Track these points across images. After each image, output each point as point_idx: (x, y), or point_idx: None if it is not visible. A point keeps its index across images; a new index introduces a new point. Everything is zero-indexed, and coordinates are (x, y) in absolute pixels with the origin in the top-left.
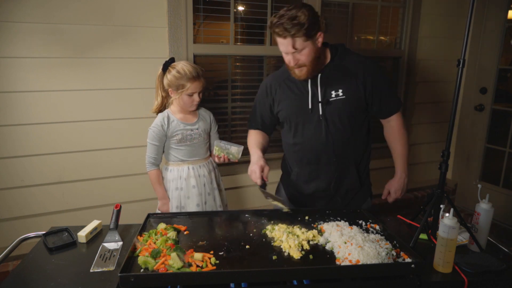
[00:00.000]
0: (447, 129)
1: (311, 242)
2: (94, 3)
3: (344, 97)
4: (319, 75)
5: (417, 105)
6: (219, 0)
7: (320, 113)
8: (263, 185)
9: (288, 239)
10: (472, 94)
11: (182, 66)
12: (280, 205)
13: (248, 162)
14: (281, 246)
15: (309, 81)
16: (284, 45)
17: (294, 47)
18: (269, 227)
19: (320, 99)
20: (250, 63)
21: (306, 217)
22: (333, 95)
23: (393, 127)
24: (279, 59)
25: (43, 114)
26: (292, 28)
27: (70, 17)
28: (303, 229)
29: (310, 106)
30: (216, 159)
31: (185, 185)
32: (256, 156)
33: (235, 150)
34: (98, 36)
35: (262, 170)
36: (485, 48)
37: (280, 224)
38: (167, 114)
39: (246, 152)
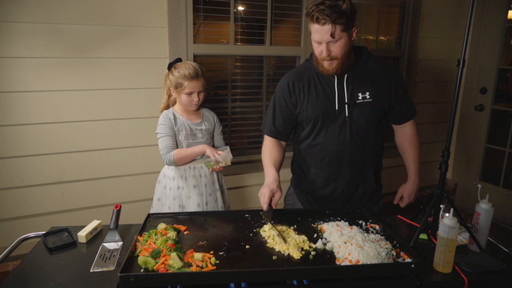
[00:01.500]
0: (447, 129)
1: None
2: (94, 3)
3: (371, 100)
4: (345, 75)
5: (417, 105)
6: (219, 0)
7: (347, 115)
8: (269, 210)
9: (280, 240)
10: (472, 94)
11: (183, 65)
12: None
13: (248, 162)
14: (275, 248)
15: (335, 81)
16: (321, 32)
17: (332, 35)
18: (259, 229)
19: (347, 101)
20: (250, 63)
21: (292, 229)
22: (360, 98)
23: (407, 132)
24: (279, 59)
25: (43, 114)
26: (334, 14)
27: (70, 17)
28: (293, 232)
29: (336, 108)
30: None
31: (186, 184)
32: (270, 177)
33: (223, 157)
34: (98, 36)
35: (272, 195)
36: (485, 48)
37: (265, 226)
38: (171, 111)
39: (246, 153)
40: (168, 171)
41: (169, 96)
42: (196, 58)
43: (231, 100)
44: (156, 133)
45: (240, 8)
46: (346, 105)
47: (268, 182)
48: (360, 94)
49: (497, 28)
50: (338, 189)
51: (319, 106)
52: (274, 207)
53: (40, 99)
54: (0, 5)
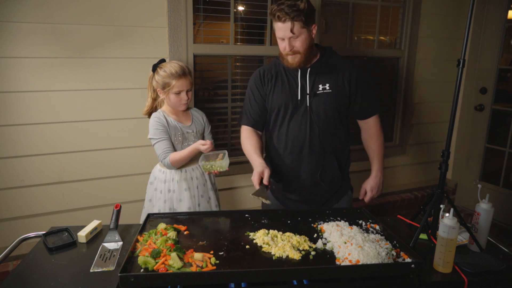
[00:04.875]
0: (447, 129)
1: (302, 247)
2: (94, 3)
3: (330, 91)
4: (309, 69)
5: (417, 105)
6: (219, 0)
7: (308, 104)
8: (262, 188)
9: (277, 243)
10: (472, 94)
11: (168, 65)
12: (263, 200)
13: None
14: (271, 252)
15: (299, 74)
16: (282, 30)
17: (292, 31)
18: (251, 233)
19: (308, 91)
20: (250, 63)
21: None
22: (320, 89)
23: (371, 128)
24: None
25: (43, 114)
26: (292, 12)
27: (70, 17)
28: (288, 233)
29: (299, 97)
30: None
31: (177, 187)
32: (257, 163)
33: (220, 164)
34: (98, 36)
35: (262, 175)
36: (485, 48)
37: (259, 231)
38: (162, 113)
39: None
40: (158, 174)
41: (154, 99)
42: (196, 58)
43: (231, 100)
44: (150, 138)
45: (240, 8)
46: (307, 95)
47: (256, 168)
48: (320, 86)
49: (497, 28)
50: (302, 175)
51: (283, 96)
52: (266, 183)
53: (40, 99)
54: (0, 5)
